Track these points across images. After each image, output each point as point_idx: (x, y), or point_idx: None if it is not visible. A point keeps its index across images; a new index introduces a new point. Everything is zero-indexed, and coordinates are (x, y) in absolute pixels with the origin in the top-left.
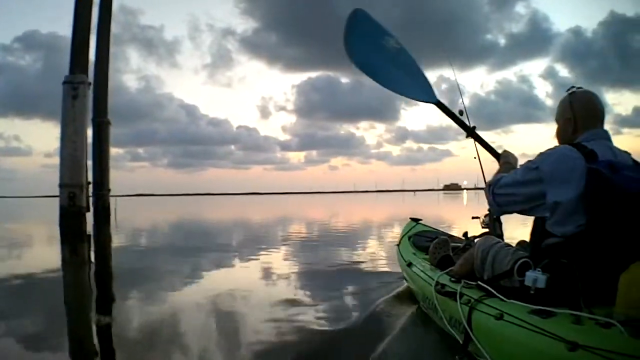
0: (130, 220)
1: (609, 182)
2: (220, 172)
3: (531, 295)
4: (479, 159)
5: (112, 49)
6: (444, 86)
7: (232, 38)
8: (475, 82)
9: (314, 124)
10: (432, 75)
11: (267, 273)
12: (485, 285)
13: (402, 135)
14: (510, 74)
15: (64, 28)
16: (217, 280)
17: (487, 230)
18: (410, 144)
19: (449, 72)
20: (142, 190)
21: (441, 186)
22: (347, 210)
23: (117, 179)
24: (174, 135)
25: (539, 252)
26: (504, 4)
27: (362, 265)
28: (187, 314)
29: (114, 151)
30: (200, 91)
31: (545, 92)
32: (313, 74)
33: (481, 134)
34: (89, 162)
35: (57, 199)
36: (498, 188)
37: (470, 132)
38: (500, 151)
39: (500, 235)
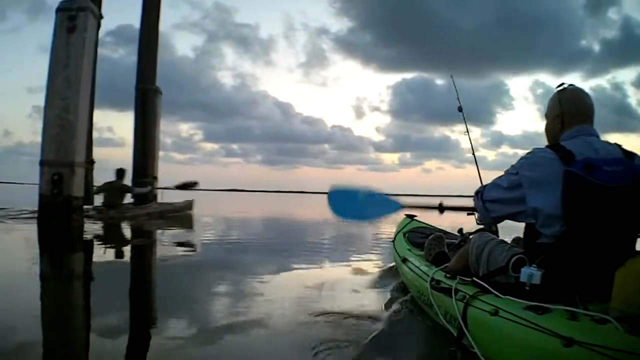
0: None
1: (584, 182)
2: (313, 171)
3: (526, 292)
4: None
5: (207, 46)
6: (539, 91)
7: (327, 37)
8: None
9: (408, 126)
10: (527, 79)
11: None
12: (480, 282)
13: (498, 140)
14: (603, 81)
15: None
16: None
17: (482, 226)
18: (505, 149)
19: (544, 77)
20: (235, 185)
21: None
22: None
23: (211, 173)
24: (268, 133)
25: (534, 248)
26: (597, 9)
27: None
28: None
29: (208, 146)
30: (294, 89)
31: (637, 100)
32: (408, 75)
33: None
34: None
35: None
36: (487, 194)
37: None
38: None
39: (496, 232)
